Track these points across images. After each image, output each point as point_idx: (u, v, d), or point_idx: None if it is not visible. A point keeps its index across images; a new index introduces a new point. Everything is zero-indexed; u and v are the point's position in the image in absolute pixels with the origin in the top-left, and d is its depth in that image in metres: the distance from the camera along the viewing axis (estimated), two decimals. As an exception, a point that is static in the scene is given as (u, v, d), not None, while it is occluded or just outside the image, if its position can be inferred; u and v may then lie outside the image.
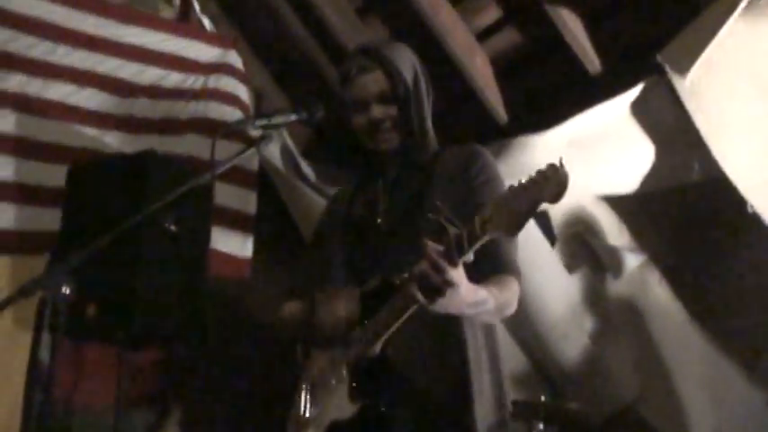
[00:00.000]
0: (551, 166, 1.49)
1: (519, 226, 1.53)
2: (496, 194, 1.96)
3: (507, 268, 1.94)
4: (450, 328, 1.91)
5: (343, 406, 1.85)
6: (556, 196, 1.48)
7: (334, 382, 1.91)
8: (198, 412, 3.75)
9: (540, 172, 1.50)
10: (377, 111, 2.06)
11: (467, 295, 1.67)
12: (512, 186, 1.54)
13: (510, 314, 1.95)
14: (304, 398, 2.00)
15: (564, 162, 1.49)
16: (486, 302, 1.77)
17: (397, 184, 2.11)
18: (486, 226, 1.55)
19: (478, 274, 1.78)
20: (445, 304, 1.64)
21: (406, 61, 2.12)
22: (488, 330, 2.03)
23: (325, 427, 1.90)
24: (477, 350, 1.95)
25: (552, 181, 1.47)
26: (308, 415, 1.96)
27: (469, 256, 1.60)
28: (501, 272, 1.92)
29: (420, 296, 1.62)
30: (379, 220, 2.06)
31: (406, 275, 1.70)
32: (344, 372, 1.88)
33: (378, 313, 1.82)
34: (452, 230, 1.59)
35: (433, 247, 1.60)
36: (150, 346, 3.46)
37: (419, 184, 2.06)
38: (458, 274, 1.61)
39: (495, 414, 1.93)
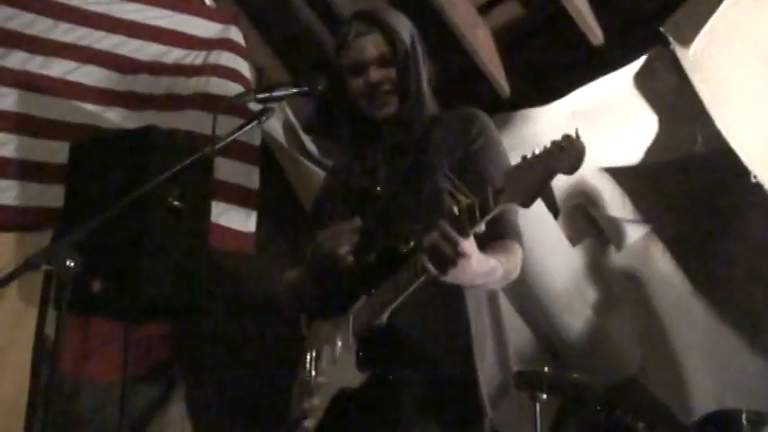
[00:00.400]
0: (567, 137, 1.46)
1: (533, 197, 1.51)
2: (496, 158, 1.99)
3: (510, 233, 1.93)
4: (454, 296, 1.91)
5: (350, 374, 1.85)
6: (572, 167, 1.46)
7: (339, 350, 1.91)
8: (204, 385, 3.77)
9: (555, 143, 1.47)
10: (375, 73, 2.05)
11: (478, 266, 1.67)
12: (525, 157, 1.51)
13: (514, 279, 1.95)
14: (309, 366, 2.00)
15: (579, 133, 1.46)
16: (495, 271, 1.78)
17: (395, 152, 2.08)
18: (498, 197, 1.53)
19: (479, 238, 1.78)
20: (456, 275, 1.64)
21: (404, 25, 2.11)
22: (491, 296, 2.04)
23: (332, 395, 1.89)
24: (481, 317, 1.96)
25: (568, 152, 1.45)
26: (313, 382, 1.96)
27: (481, 227, 1.59)
28: (504, 237, 1.91)
29: (431, 267, 1.61)
30: (378, 189, 2.05)
31: (411, 244, 1.70)
32: (351, 340, 1.87)
33: (384, 282, 1.81)
34: (463, 200, 1.58)
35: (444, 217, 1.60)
36: (155, 319, 3.48)
37: (417, 150, 2.04)
38: (469, 245, 1.60)
39: (498, 379, 1.94)
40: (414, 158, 2.03)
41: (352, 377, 1.85)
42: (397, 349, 1.86)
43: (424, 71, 2.12)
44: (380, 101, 2.06)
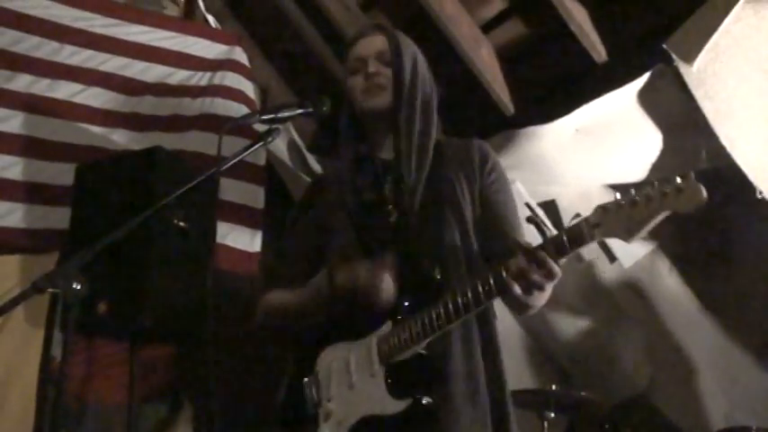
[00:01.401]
0: (686, 177, 1.49)
1: (635, 232, 1.55)
2: (510, 197, 2.09)
3: None
4: (486, 324, 1.94)
5: (380, 402, 1.81)
6: (690, 210, 1.48)
7: (359, 376, 1.87)
8: (210, 407, 3.75)
9: (669, 182, 1.50)
10: (373, 65, 2.13)
11: (549, 291, 1.75)
12: (630, 193, 1.56)
13: None
14: (313, 391, 1.95)
15: (692, 176, 1.48)
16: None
17: (397, 168, 2.07)
18: (594, 231, 1.58)
19: (493, 253, 1.86)
20: (537, 298, 1.72)
21: (409, 44, 2.20)
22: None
23: (353, 422, 1.85)
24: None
25: (686, 194, 1.47)
26: (323, 409, 1.91)
27: (563, 260, 1.65)
28: None
29: (517, 289, 1.66)
30: (390, 207, 2.03)
31: (437, 271, 1.76)
32: (377, 367, 1.84)
33: (424, 309, 1.79)
34: (548, 233, 1.65)
35: (527, 245, 1.66)
36: (161, 341, 3.48)
37: (430, 169, 2.04)
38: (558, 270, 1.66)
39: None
40: (426, 179, 2.03)
41: (386, 405, 1.81)
42: (437, 376, 1.85)
43: (426, 90, 2.15)
44: (374, 90, 2.10)
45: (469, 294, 1.73)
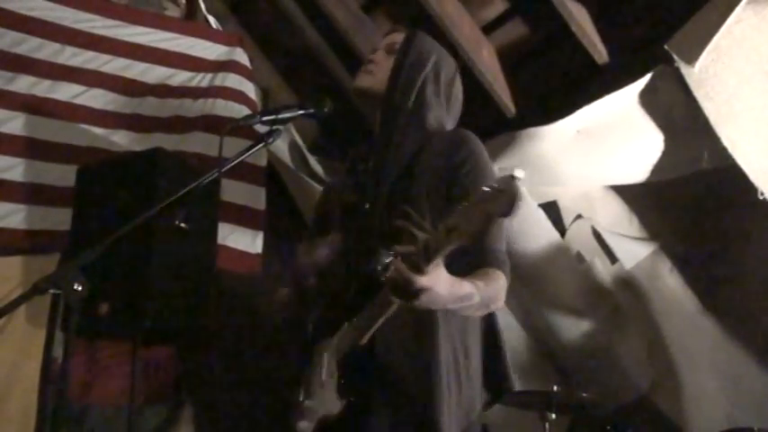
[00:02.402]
0: (504, 179, 1.42)
1: (476, 238, 1.47)
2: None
3: (494, 261, 1.92)
4: (427, 325, 1.90)
5: (332, 401, 1.84)
6: (506, 212, 1.40)
7: (325, 375, 1.90)
8: (212, 408, 3.76)
9: (493, 186, 1.42)
10: (378, 54, 2.25)
11: (447, 293, 1.65)
12: (471, 197, 1.47)
13: (497, 308, 1.94)
14: (301, 388, 1.98)
15: (519, 175, 1.40)
16: (470, 297, 1.76)
17: (382, 168, 2.10)
18: (451, 234, 1.48)
19: (466, 265, 1.79)
20: (424, 304, 1.63)
21: (430, 44, 2.27)
22: (464, 329, 2.01)
23: (316, 421, 1.89)
24: (453, 349, 1.94)
25: (504, 196, 1.40)
26: (304, 405, 1.95)
27: (438, 261, 1.57)
28: (487, 265, 1.90)
29: (395, 299, 1.63)
30: (367, 206, 2.05)
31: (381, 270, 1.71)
32: (334, 366, 1.86)
33: (365, 307, 1.80)
34: (421, 236, 1.55)
35: (403, 250, 1.59)
36: (163, 342, 3.48)
37: (404, 169, 2.06)
38: (429, 279, 1.57)
39: (461, 418, 1.90)
40: (399, 178, 2.04)
41: (333, 404, 1.84)
42: (375, 376, 1.85)
43: (429, 89, 2.18)
44: (361, 73, 2.23)
45: (380, 299, 1.71)
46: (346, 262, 2.01)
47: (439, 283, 1.61)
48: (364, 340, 1.79)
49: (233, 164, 2.08)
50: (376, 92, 2.18)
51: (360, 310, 1.83)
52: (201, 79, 3.94)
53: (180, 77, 3.91)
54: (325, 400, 1.87)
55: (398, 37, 2.25)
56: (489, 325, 2.04)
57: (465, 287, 1.74)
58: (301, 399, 1.97)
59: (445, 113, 2.21)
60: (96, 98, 3.66)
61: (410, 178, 2.03)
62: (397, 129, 2.10)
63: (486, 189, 1.42)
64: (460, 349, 1.96)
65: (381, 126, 2.13)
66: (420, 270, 1.55)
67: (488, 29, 3.94)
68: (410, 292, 1.58)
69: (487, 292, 1.83)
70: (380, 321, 1.74)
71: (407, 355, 1.90)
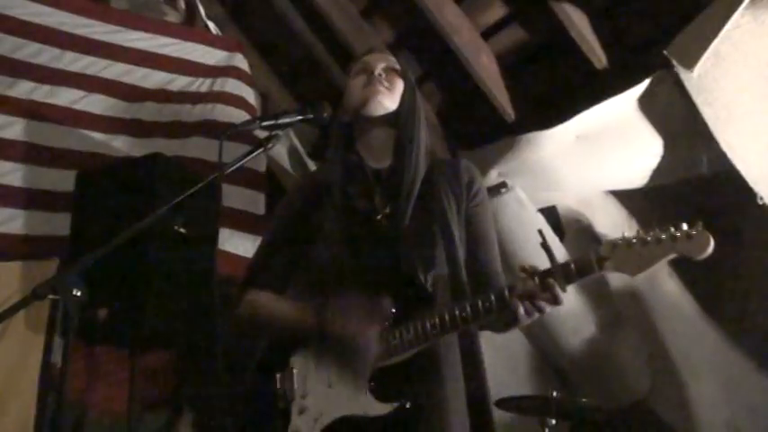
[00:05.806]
0: (698, 226, 1.63)
1: (640, 270, 1.67)
2: (490, 221, 2.11)
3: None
4: (471, 335, 1.94)
5: (363, 403, 1.84)
6: (699, 254, 1.62)
7: (340, 377, 1.89)
8: (211, 413, 3.75)
9: (681, 228, 1.63)
10: (379, 69, 2.12)
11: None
12: (640, 233, 1.67)
13: None
14: (290, 384, 1.96)
15: (701, 225, 1.64)
16: None
17: (390, 176, 2.07)
18: (603, 263, 1.68)
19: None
20: (531, 319, 1.77)
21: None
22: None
23: (328, 421, 1.87)
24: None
25: (697, 241, 1.62)
26: (297, 403, 1.94)
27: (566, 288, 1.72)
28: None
29: (521, 309, 1.73)
30: (379, 217, 2.03)
31: (428, 282, 1.82)
32: (363, 369, 1.86)
33: (416, 320, 1.83)
34: (557, 259, 1.71)
35: (534, 269, 1.74)
36: (162, 347, 3.47)
37: (421, 184, 2.04)
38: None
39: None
40: (422, 199, 2.02)
41: (368, 407, 1.84)
42: (423, 382, 1.87)
43: (420, 114, 2.16)
44: (378, 89, 2.08)
45: (468, 309, 1.78)
46: (360, 270, 1.98)
47: None
48: (413, 351, 1.84)
49: (232, 169, 2.08)
50: (389, 111, 2.10)
51: (401, 322, 1.85)
52: (201, 84, 3.95)
53: (179, 82, 3.92)
54: (343, 401, 1.87)
55: (388, 58, 2.18)
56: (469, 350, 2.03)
57: None
58: (290, 397, 1.95)
59: None
60: (96, 103, 3.66)
61: (432, 202, 2.03)
62: (415, 147, 2.08)
63: (666, 228, 1.64)
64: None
65: (398, 143, 2.09)
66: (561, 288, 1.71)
67: (488, 34, 3.94)
68: (542, 307, 1.73)
69: None
70: (442, 336, 1.82)
71: (453, 358, 1.93)
